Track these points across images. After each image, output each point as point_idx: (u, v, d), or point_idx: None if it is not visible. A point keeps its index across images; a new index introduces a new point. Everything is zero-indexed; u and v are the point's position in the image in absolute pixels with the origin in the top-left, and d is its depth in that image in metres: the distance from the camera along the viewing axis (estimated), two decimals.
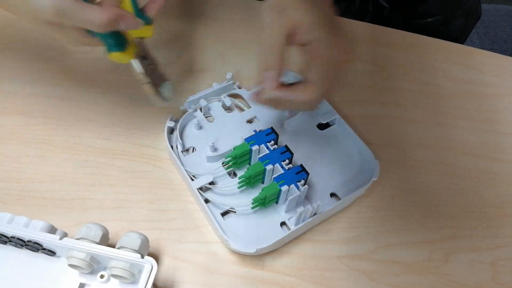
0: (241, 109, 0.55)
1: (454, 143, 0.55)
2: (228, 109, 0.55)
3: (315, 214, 0.46)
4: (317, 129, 0.54)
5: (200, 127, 0.53)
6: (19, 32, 0.60)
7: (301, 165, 0.46)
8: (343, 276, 0.45)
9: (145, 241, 0.42)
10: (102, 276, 0.42)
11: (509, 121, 0.58)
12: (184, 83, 0.57)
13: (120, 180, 0.50)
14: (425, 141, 0.55)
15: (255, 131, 0.49)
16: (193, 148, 0.52)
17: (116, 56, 0.44)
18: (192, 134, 0.53)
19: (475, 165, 0.53)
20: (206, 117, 0.54)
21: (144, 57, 0.47)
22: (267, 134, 0.48)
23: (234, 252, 0.45)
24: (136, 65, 0.46)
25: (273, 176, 0.46)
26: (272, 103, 0.43)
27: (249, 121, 0.54)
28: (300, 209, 0.44)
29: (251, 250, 0.43)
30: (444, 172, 0.53)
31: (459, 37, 0.84)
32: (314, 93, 0.42)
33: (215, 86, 0.55)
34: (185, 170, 0.48)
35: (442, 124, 0.57)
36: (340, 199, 0.48)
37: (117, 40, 0.44)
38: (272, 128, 0.49)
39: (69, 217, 0.47)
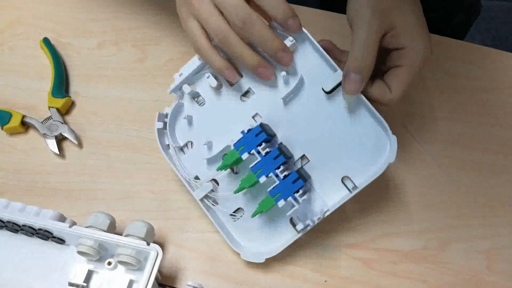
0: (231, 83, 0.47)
1: (452, 136, 0.56)
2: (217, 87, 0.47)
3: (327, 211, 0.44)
4: (324, 93, 0.44)
5: (191, 119, 0.48)
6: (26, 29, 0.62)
7: (298, 171, 0.43)
8: (342, 264, 0.47)
9: (150, 229, 0.44)
10: (109, 263, 0.44)
11: (506, 114, 0.59)
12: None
13: (126, 172, 0.52)
14: (423, 134, 0.56)
15: (243, 132, 0.44)
16: (191, 143, 0.49)
17: None
18: (185, 127, 0.49)
19: (471, 157, 0.55)
20: (197, 100, 0.48)
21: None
22: (256, 135, 0.43)
23: None
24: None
25: (268, 190, 0.42)
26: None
27: (245, 94, 0.47)
28: (307, 222, 0.43)
29: (261, 260, 0.45)
30: (441, 164, 0.54)
31: (460, 33, 0.85)
32: (395, 101, 0.43)
33: (195, 61, 0.47)
34: (186, 179, 0.47)
35: (440, 118, 0.58)
36: (352, 186, 0.44)
37: None
38: (261, 125, 0.44)
39: (77, 207, 0.49)
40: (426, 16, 0.85)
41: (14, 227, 0.44)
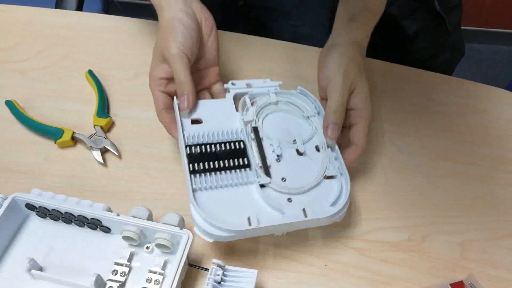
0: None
1: (433, 150, 0.67)
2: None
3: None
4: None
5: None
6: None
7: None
8: (340, 252, 0.56)
9: (181, 220, 0.54)
10: (148, 247, 0.53)
11: (477, 134, 0.69)
12: None
13: (158, 178, 0.62)
14: (409, 148, 0.67)
15: None
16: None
17: None
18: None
19: (449, 167, 0.65)
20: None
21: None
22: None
23: None
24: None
25: None
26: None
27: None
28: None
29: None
30: (424, 173, 0.64)
31: (446, 71, 0.95)
32: (361, 153, 0.56)
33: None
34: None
35: (423, 136, 0.69)
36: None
37: None
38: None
39: (119, 206, 0.59)
40: (415, 56, 0.97)
41: (70, 218, 0.54)
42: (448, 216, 0.60)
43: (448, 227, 0.59)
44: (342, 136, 0.58)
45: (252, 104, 0.58)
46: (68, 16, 0.81)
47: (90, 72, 0.71)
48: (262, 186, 0.52)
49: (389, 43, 0.90)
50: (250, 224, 0.49)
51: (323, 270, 0.55)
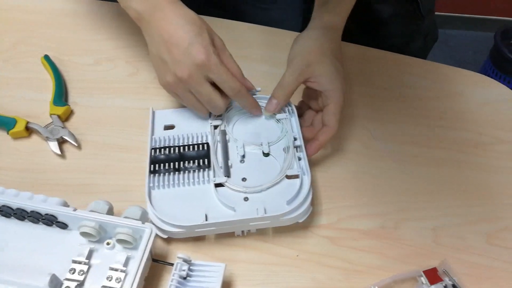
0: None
1: (405, 136, 0.65)
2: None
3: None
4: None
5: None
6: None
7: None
8: (311, 242, 0.54)
9: (144, 213, 0.51)
10: (108, 243, 0.50)
11: (449, 118, 0.68)
12: None
13: (120, 169, 0.59)
14: (382, 134, 0.65)
15: None
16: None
17: None
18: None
19: (421, 153, 0.64)
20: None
21: None
22: None
23: None
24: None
25: None
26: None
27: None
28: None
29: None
30: (397, 159, 0.62)
31: (419, 57, 0.95)
32: (333, 134, 0.57)
33: None
34: None
35: (396, 121, 0.67)
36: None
37: None
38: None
39: (78, 200, 0.55)
40: (388, 42, 0.96)
41: (22, 214, 0.50)
42: (421, 202, 0.59)
43: (421, 213, 0.58)
44: (316, 119, 0.59)
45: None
46: None
47: (46, 57, 0.67)
48: (219, 185, 0.53)
49: (362, 29, 0.88)
50: (205, 221, 0.50)
51: (295, 260, 0.53)
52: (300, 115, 0.61)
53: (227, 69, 0.52)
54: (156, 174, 0.54)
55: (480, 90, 0.73)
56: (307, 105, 0.62)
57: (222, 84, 0.53)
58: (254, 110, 0.59)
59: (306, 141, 0.57)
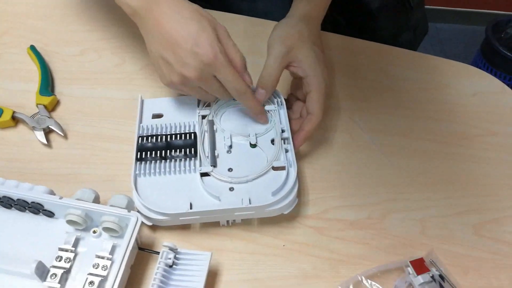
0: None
1: (392, 127, 0.65)
2: None
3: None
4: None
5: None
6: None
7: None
8: (297, 232, 0.54)
9: (130, 201, 0.51)
10: (94, 232, 0.50)
11: (438, 110, 0.68)
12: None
13: (106, 159, 0.58)
14: (370, 125, 0.65)
15: None
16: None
17: None
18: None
19: (408, 145, 0.64)
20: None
21: None
22: None
23: None
24: None
25: None
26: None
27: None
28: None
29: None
30: (383, 150, 0.63)
31: (409, 49, 0.96)
32: (318, 122, 0.56)
33: None
34: None
35: (383, 113, 0.67)
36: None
37: None
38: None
39: (64, 189, 0.55)
40: (377, 34, 0.95)
41: (9, 202, 0.50)
42: (408, 193, 0.59)
43: (408, 204, 0.58)
44: (304, 111, 0.58)
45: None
46: None
47: (32, 47, 0.66)
48: (205, 174, 0.53)
49: (350, 21, 0.88)
50: (190, 209, 0.50)
51: (281, 250, 0.53)
52: (289, 108, 0.60)
53: (233, 69, 0.51)
54: (143, 162, 0.54)
55: (469, 81, 0.73)
56: (295, 97, 0.62)
57: (227, 84, 0.52)
58: (258, 116, 0.57)
59: (294, 133, 0.57)
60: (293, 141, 0.56)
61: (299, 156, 0.60)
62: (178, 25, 0.49)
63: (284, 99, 0.61)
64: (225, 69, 0.50)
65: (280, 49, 0.56)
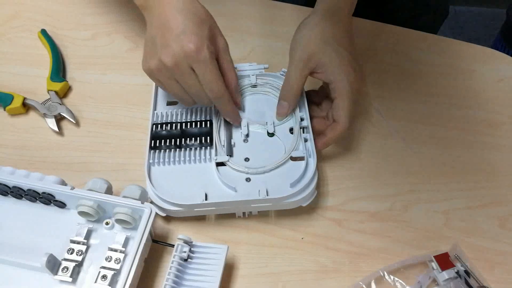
0: None
1: (414, 114, 0.63)
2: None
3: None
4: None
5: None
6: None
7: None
8: (316, 224, 0.52)
9: (144, 192, 0.49)
10: (107, 223, 0.49)
11: (460, 96, 0.65)
12: None
13: (119, 147, 0.57)
14: (390, 112, 0.63)
15: None
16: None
17: None
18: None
19: (431, 132, 0.61)
20: None
21: None
22: None
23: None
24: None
25: None
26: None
27: None
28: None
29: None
30: (405, 138, 0.60)
31: (428, 32, 0.92)
32: (342, 131, 0.52)
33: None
34: None
35: (405, 100, 0.64)
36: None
37: None
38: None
39: (75, 178, 0.53)
40: (395, 16, 0.91)
41: (19, 193, 0.49)
42: (431, 184, 0.56)
43: (431, 196, 0.55)
44: (329, 106, 0.54)
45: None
46: None
47: (43, 31, 0.64)
48: (220, 164, 0.51)
49: (367, 2, 0.85)
50: (205, 200, 0.49)
51: (299, 243, 0.51)
52: (318, 103, 0.57)
53: (215, 70, 0.48)
54: (157, 150, 0.52)
55: (494, 66, 0.70)
56: (326, 93, 0.56)
57: (204, 83, 0.48)
58: (232, 119, 0.54)
59: (316, 133, 0.54)
60: (314, 142, 0.53)
61: None
62: (178, 14, 0.47)
63: (313, 90, 0.58)
64: (205, 66, 0.47)
65: (301, 56, 0.52)
